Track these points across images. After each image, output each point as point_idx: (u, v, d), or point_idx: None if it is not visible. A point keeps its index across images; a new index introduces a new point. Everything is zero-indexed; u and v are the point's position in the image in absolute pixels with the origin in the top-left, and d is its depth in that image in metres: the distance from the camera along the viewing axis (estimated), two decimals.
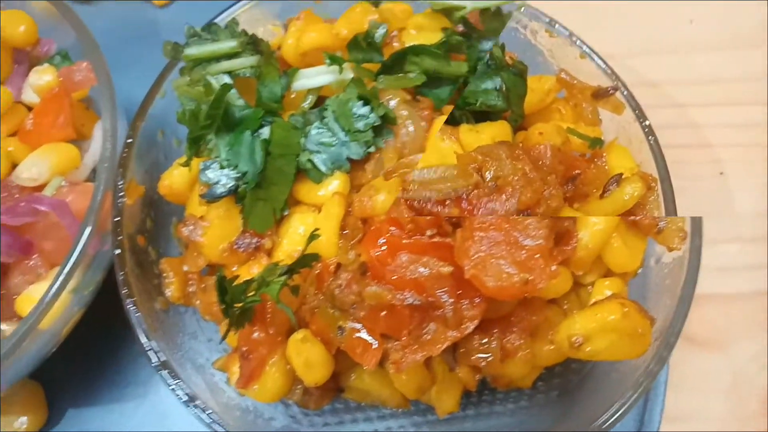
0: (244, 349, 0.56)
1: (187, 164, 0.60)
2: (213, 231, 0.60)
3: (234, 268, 0.62)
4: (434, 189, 0.50)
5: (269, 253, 0.60)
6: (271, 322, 0.56)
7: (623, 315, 0.52)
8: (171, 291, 0.61)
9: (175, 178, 0.63)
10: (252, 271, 0.59)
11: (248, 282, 0.55)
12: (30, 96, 0.66)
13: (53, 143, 0.63)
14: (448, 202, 0.50)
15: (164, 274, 0.62)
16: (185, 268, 0.63)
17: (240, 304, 0.54)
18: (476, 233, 0.50)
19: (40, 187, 0.62)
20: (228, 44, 0.61)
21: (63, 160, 0.63)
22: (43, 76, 0.64)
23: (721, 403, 0.75)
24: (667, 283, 0.60)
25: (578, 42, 0.67)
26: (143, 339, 0.55)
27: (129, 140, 0.61)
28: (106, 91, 0.62)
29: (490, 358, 0.54)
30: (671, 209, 0.59)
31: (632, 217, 0.58)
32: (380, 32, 0.61)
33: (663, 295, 0.59)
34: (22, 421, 0.71)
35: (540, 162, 0.52)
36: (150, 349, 0.55)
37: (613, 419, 0.53)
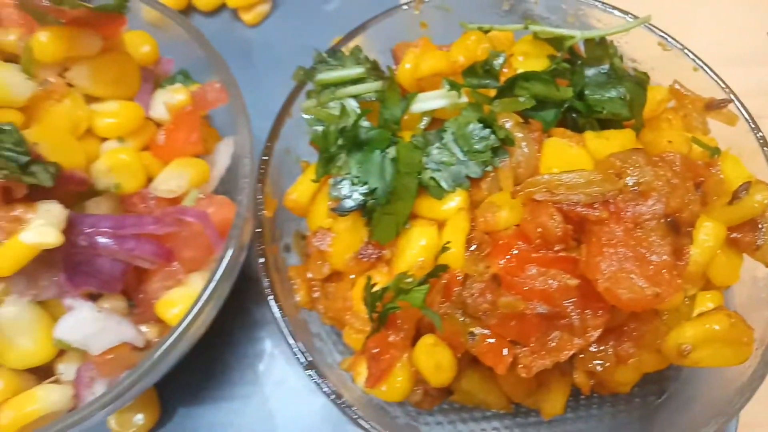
0: (376, 351, 0.60)
1: (317, 180, 0.64)
2: (340, 242, 0.64)
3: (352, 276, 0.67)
4: (582, 192, 0.54)
5: (388, 263, 0.64)
6: (400, 326, 0.60)
7: (730, 325, 0.56)
8: (300, 296, 0.65)
9: (301, 193, 0.67)
10: (377, 280, 0.63)
11: (383, 290, 0.58)
12: (157, 112, 0.70)
13: (185, 158, 0.67)
14: (596, 205, 0.54)
15: (292, 281, 0.66)
16: (309, 275, 0.67)
17: (378, 311, 0.58)
18: (605, 249, 0.53)
19: (176, 200, 0.66)
20: (356, 70, 0.65)
21: (197, 174, 0.66)
22: (176, 95, 0.68)
23: None
24: (763, 297, 0.64)
25: (691, 55, 0.71)
26: (291, 341, 0.59)
27: (265, 158, 0.65)
28: (240, 109, 0.66)
29: (606, 365, 0.58)
30: None
31: (734, 235, 0.61)
32: (499, 61, 0.65)
33: (762, 308, 0.62)
34: (139, 418, 0.75)
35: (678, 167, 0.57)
36: (297, 350, 0.58)
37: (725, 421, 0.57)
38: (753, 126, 0.67)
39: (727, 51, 0.97)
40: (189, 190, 0.65)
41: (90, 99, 0.67)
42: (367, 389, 0.61)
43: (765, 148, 0.66)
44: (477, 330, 0.56)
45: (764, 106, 0.94)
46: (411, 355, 0.60)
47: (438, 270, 0.58)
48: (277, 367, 0.80)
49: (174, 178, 0.65)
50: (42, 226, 0.54)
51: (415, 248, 0.61)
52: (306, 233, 0.72)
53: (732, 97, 0.69)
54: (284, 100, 0.70)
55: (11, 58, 0.65)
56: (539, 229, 0.55)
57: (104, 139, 0.67)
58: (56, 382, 0.61)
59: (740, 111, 0.69)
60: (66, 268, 0.58)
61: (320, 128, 0.65)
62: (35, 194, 0.57)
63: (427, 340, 0.58)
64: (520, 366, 0.55)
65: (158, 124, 0.70)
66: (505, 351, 0.55)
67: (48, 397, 0.58)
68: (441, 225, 0.62)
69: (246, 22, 0.99)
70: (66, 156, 0.59)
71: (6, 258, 0.54)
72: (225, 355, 0.80)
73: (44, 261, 0.57)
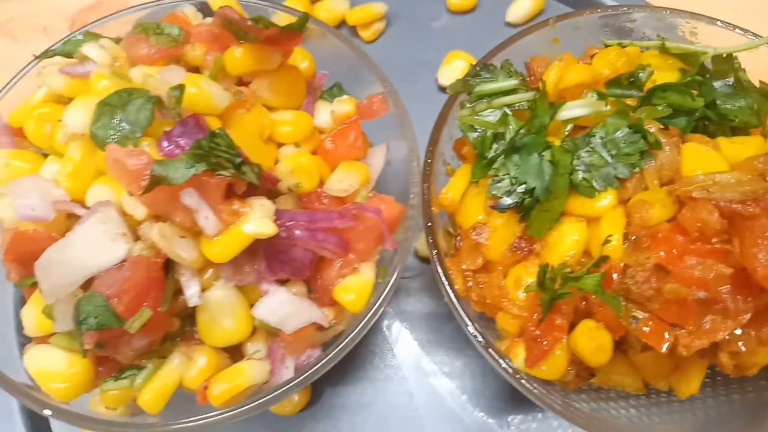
0: (537, 333, 0.65)
1: (476, 181, 0.70)
2: (496, 236, 0.69)
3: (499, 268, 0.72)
4: (736, 191, 0.59)
5: (537, 255, 0.69)
6: (564, 312, 0.65)
7: None
8: (457, 285, 0.70)
9: (456, 192, 0.72)
10: (530, 270, 0.69)
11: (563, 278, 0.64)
12: (320, 121, 0.76)
13: (351, 161, 0.73)
14: (748, 202, 0.58)
15: (449, 271, 0.71)
16: (463, 266, 0.72)
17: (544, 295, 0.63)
18: (759, 241, 0.58)
19: (344, 198, 0.72)
20: (510, 82, 0.71)
21: (363, 176, 0.72)
22: (343, 106, 0.74)
23: None
24: None
25: None
26: (467, 322, 0.64)
27: (429, 161, 0.71)
28: (406, 118, 0.71)
29: (748, 344, 0.62)
30: None
31: None
32: (645, 74, 0.70)
33: None
34: (294, 397, 0.80)
35: None
36: (475, 332, 0.64)
37: None
38: None
39: None
40: (359, 190, 0.71)
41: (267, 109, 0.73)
42: (525, 368, 0.66)
43: None
44: (639, 314, 0.61)
45: None
46: (569, 338, 0.65)
47: (601, 260, 0.63)
48: (412, 352, 0.85)
49: (346, 179, 0.71)
50: (261, 218, 0.59)
51: (568, 242, 0.66)
52: (450, 229, 0.77)
53: None
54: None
55: (193, 70, 0.71)
56: (698, 224, 0.60)
57: (280, 145, 0.72)
58: (250, 359, 0.67)
59: None
60: (266, 257, 0.64)
61: (475, 135, 0.71)
62: (241, 192, 0.63)
63: (588, 324, 0.63)
64: (680, 346, 0.60)
65: (320, 131, 0.76)
66: (666, 334, 0.60)
67: (253, 371, 0.64)
68: (590, 221, 0.67)
69: (363, 39, 1.05)
70: (259, 158, 0.65)
71: (227, 246, 0.60)
72: (366, 341, 0.85)
73: (248, 250, 0.62)
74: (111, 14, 0.87)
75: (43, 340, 0.65)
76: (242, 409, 0.61)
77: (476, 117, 0.71)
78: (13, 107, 0.71)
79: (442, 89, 1.04)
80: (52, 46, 0.77)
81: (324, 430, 0.81)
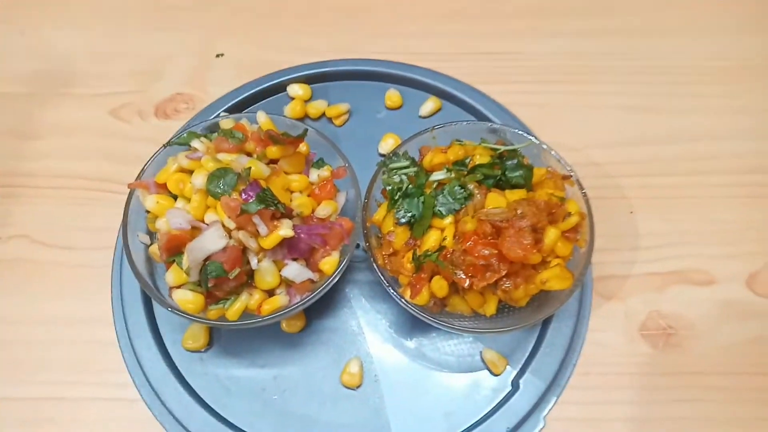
0: (414, 281, 1.37)
1: (390, 211, 1.41)
2: (398, 237, 1.40)
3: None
4: (500, 216, 1.30)
5: (419, 247, 1.41)
6: (426, 271, 1.36)
7: (563, 270, 1.25)
8: (380, 262, 1.41)
9: (380, 215, 1.43)
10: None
11: (420, 256, 1.35)
12: (312, 179, 1.44)
13: (327, 200, 1.44)
14: (504, 221, 1.30)
15: (375, 255, 1.42)
16: (383, 253, 1.43)
17: (415, 263, 1.34)
18: (508, 238, 1.30)
19: (326, 219, 1.43)
20: (406, 162, 1.43)
21: (334, 208, 1.43)
22: (324, 172, 1.43)
23: (621, 322, 1.43)
24: (579, 260, 1.39)
25: (554, 153, 1.44)
26: (383, 278, 1.36)
27: (366, 200, 1.42)
28: (355, 179, 1.43)
29: (510, 287, 1.34)
30: (592, 231, 1.19)
31: (568, 234, 1.38)
32: (469, 159, 1.42)
33: (578, 266, 1.38)
34: (299, 323, 1.51)
35: (541, 206, 1.24)
36: (386, 284, 1.35)
37: (558, 308, 1.33)
38: (580, 185, 1.41)
39: (594, 139, 1.75)
40: (332, 214, 1.42)
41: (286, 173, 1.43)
42: (410, 300, 1.37)
43: (585, 196, 1.37)
44: (460, 273, 1.33)
45: (616, 170, 1.71)
46: (429, 284, 1.37)
47: (443, 248, 1.34)
48: (360, 301, 1.55)
49: (327, 209, 1.32)
50: (287, 228, 1.29)
51: (433, 239, 1.35)
52: (379, 234, 1.49)
53: (572, 172, 1.45)
54: (363, 170, 1.43)
55: (248, 154, 1.40)
56: (482, 230, 1.32)
57: (292, 192, 1.32)
58: (278, 295, 1.37)
59: (576, 180, 1.44)
60: (288, 246, 1.34)
61: (390, 187, 1.39)
62: (278, 216, 1.33)
63: (437, 278, 1.35)
64: (474, 285, 1.31)
65: (312, 184, 1.47)
66: (467, 281, 1.32)
67: (281, 300, 1.33)
68: (442, 230, 1.39)
69: (336, 124, 1.73)
70: (284, 200, 1.30)
71: (271, 241, 1.28)
72: (335, 295, 1.55)
73: (280, 243, 1.32)
74: (195, 122, 1.57)
75: (179, 287, 1.24)
76: (275, 315, 1.31)
77: (390, 179, 1.41)
78: (149, 169, 1.24)
79: (381, 155, 1.53)
80: (171, 138, 1.46)
81: (312, 341, 1.47)
